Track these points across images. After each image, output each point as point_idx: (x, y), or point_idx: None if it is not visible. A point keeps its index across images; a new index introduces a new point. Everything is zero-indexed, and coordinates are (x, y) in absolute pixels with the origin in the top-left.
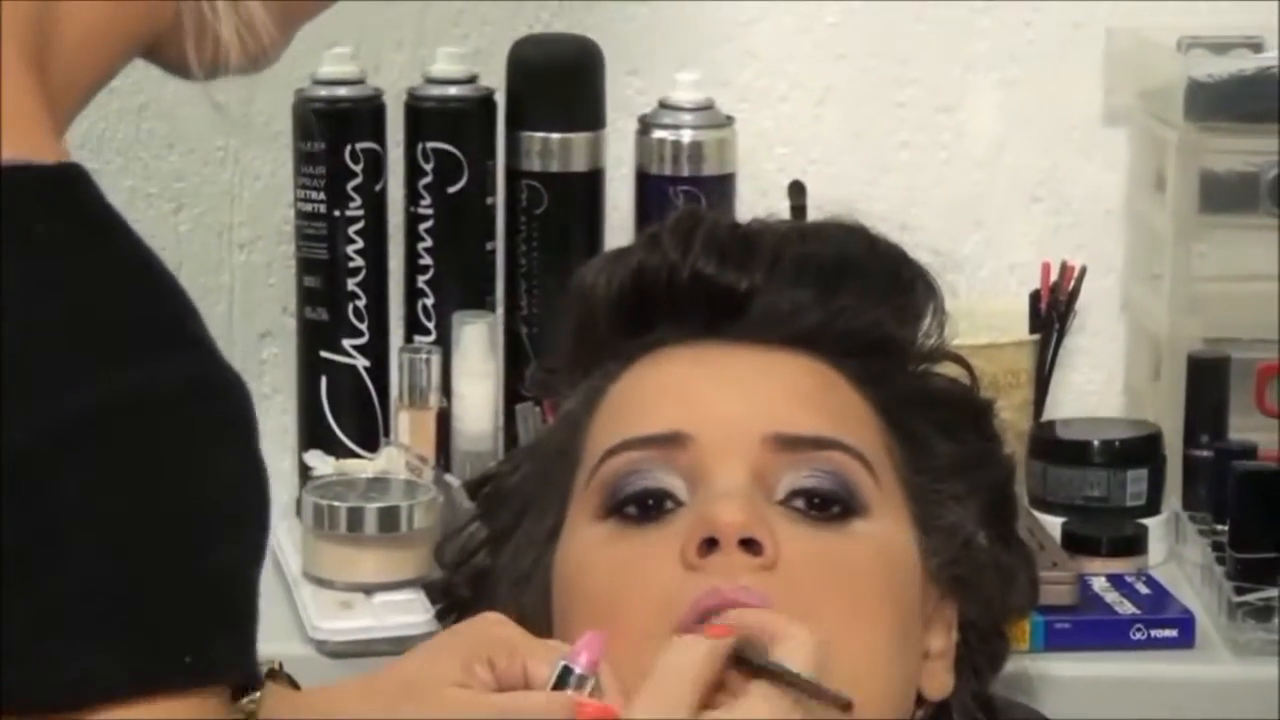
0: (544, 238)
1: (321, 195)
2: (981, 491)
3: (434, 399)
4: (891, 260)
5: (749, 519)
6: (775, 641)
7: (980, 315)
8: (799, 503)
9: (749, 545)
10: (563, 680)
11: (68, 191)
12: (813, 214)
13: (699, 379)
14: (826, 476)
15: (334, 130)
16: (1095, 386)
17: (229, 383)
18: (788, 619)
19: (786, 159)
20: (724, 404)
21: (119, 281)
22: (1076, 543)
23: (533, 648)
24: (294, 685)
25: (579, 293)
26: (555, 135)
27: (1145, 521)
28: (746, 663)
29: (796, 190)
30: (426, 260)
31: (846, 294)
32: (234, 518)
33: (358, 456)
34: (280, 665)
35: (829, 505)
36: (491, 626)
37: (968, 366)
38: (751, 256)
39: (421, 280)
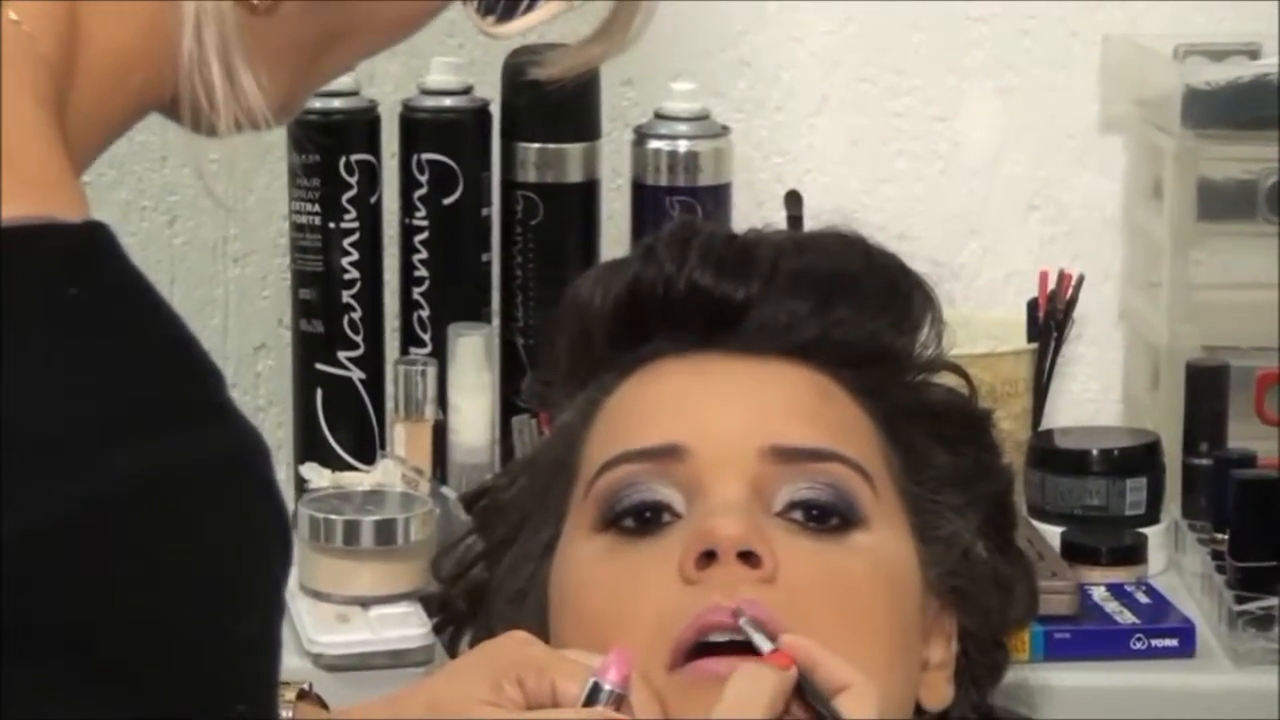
0: (540, 249)
1: (316, 207)
2: (980, 502)
3: (430, 411)
4: (888, 270)
5: (747, 532)
6: (840, 688)
7: (978, 325)
8: (797, 515)
9: (747, 558)
10: (593, 697)
11: (95, 253)
12: (809, 224)
13: (696, 391)
14: (825, 488)
15: (328, 142)
16: (1093, 395)
17: (253, 447)
18: (857, 669)
19: (782, 169)
20: (721, 416)
21: (147, 350)
22: (1076, 552)
23: (561, 665)
24: (323, 705)
25: (574, 305)
26: (550, 146)
27: (1145, 530)
28: (802, 697)
29: (793, 200)
30: (422, 272)
31: (843, 305)
32: (264, 581)
33: (354, 469)
34: (310, 686)
35: (827, 517)
36: (519, 645)
37: (966, 376)
38: (748, 267)
39: (417, 292)
